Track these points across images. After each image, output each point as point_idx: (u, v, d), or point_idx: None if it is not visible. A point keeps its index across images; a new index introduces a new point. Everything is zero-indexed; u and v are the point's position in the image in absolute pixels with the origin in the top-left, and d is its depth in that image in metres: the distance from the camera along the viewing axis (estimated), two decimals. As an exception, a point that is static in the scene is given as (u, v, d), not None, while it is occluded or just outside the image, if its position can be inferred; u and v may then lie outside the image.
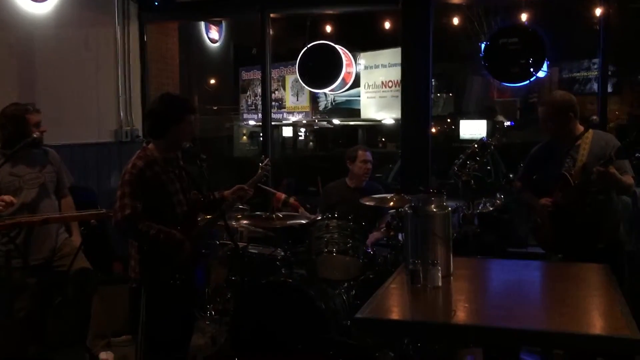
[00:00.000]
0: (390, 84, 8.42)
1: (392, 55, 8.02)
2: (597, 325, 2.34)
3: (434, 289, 2.57)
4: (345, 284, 4.18)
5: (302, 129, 12.79)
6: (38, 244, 3.96)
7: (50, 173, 4.07)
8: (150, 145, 3.35)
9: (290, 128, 12.34)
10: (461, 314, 2.36)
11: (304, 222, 4.34)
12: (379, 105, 8.63)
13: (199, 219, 3.69)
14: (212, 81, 9.47)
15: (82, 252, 4.16)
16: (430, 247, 2.66)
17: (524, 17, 5.35)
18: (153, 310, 3.32)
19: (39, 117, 3.96)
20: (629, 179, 3.63)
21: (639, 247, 4.29)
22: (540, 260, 4.07)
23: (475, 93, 10.08)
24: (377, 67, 8.69)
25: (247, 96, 10.62)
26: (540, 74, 5.08)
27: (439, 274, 2.58)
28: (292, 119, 10.50)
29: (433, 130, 10.99)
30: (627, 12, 6.69)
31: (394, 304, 2.54)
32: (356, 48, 8.51)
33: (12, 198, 3.72)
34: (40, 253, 3.98)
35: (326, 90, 7.02)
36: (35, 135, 3.89)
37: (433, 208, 2.72)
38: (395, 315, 2.46)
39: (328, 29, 7.06)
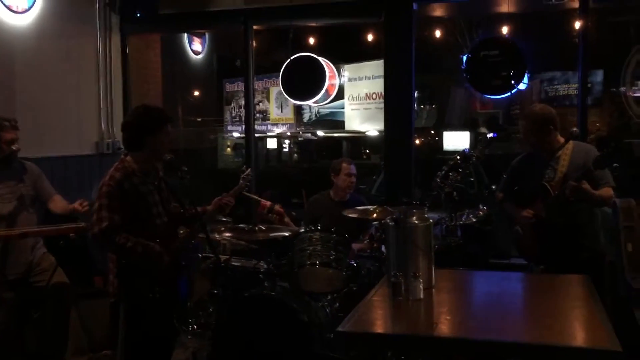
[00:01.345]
0: (374, 95, 8.43)
1: (376, 68, 8.03)
2: (578, 337, 2.34)
3: (415, 302, 2.56)
4: (329, 297, 4.16)
5: (287, 141, 12.77)
6: (14, 258, 3.90)
7: (27, 187, 4.03)
8: (128, 157, 3.31)
9: (275, 140, 12.33)
10: (443, 327, 2.35)
11: (287, 234, 4.32)
12: (363, 117, 8.63)
13: (180, 231, 3.65)
14: (196, 93, 9.44)
15: (61, 267, 4.11)
16: (412, 260, 2.65)
17: (505, 29, 5.41)
18: (132, 324, 3.27)
19: (14, 134, 3.93)
20: (607, 191, 3.66)
21: (619, 258, 4.32)
22: (523, 271, 4.10)
23: (458, 105, 10.15)
24: (361, 79, 8.70)
25: (231, 108, 10.57)
26: (521, 86, 5.13)
27: (421, 287, 2.58)
28: (277, 130, 10.48)
29: (417, 142, 11.04)
30: (606, 25, 6.80)
31: (376, 316, 2.52)
32: (340, 60, 8.53)
33: None
34: (17, 267, 3.92)
35: (309, 102, 7.02)
36: (12, 148, 3.85)
37: (414, 220, 2.72)
38: (377, 328, 2.44)
39: (312, 41, 7.09)
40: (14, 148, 3.89)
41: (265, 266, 4.38)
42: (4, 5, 4.79)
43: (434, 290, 2.72)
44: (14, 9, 4.88)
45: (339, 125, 9.37)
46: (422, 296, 2.58)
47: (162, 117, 3.35)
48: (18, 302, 3.93)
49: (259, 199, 4.75)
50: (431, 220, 2.77)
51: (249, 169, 4.05)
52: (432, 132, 11.36)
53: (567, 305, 2.65)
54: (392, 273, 2.63)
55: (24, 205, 3.99)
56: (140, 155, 3.29)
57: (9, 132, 3.90)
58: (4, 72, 4.90)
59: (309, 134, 10.79)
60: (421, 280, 2.59)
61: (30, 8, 5.03)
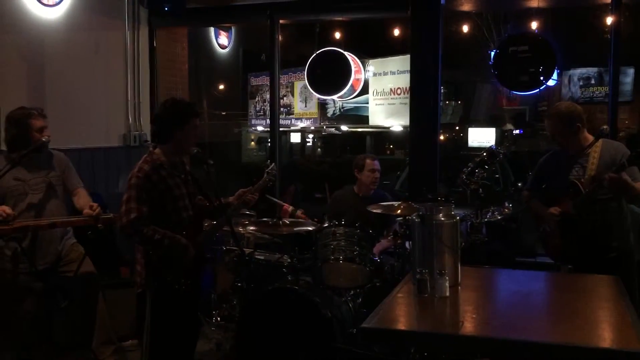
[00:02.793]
0: (399, 91, 8.38)
1: (401, 63, 7.98)
2: (607, 338, 2.30)
3: (441, 299, 2.54)
4: (352, 292, 4.16)
5: (310, 135, 12.78)
6: (43, 248, 3.96)
7: (56, 176, 4.07)
8: (157, 150, 3.35)
9: (299, 134, 12.34)
10: (469, 325, 2.33)
11: (310, 229, 4.32)
12: (387, 112, 8.59)
13: (205, 224, 3.68)
14: (221, 87, 9.48)
15: (89, 257, 4.17)
16: (438, 257, 2.64)
17: (534, 25, 5.33)
18: (158, 315, 3.31)
19: (43, 122, 3.96)
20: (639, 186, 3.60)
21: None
22: (550, 270, 4.05)
23: (484, 101, 10.04)
24: (386, 74, 8.66)
25: (256, 102, 10.61)
26: (551, 83, 5.05)
27: (447, 284, 2.56)
28: (300, 125, 10.49)
29: (441, 137, 10.97)
30: (639, 21, 6.66)
31: (401, 313, 2.51)
32: (365, 55, 8.50)
33: (10, 210, 3.70)
34: (46, 257, 3.98)
35: (334, 97, 7.01)
36: (43, 140, 3.89)
37: (441, 217, 2.70)
38: (402, 325, 2.43)
39: (337, 35, 7.06)
40: (44, 139, 3.93)
41: (289, 260, 4.40)
42: (35, -2, 4.86)
43: (459, 287, 2.70)
44: (45, 2, 4.95)
45: (363, 120, 9.35)
46: (447, 294, 2.56)
47: (191, 111, 3.39)
48: (46, 292, 3.98)
49: (282, 203, 4.75)
50: (457, 217, 2.75)
51: (273, 164, 4.06)
52: (457, 128, 11.27)
53: (596, 306, 2.61)
54: (418, 270, 2.61)
55: (53, 194, 4.04)
56: (168, 148, 3.34)
57: (38, 120, 3.95)
58: (34, 64, 4.97)
59: (333, 129, 10.79)
60: (447, 278, 2.57)
61: (60, 1, 5.10)
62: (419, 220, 2.68)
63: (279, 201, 4.84)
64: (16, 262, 3.87)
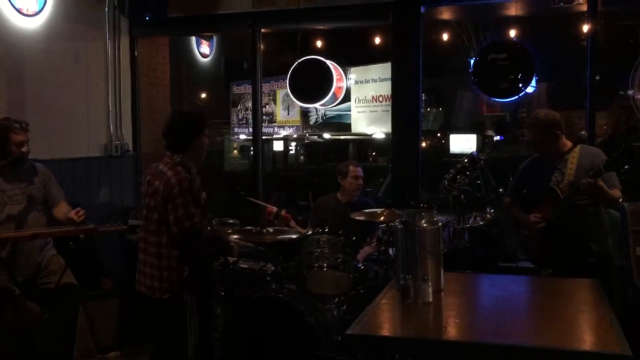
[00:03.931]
0: (380, 98, 8.43)
1: (382, 70, 8.03)
2: (587, 341, 2.34)
3: (424, 305, 2.56)
4: (336, 299, 4.16)
5: (293, 143, 12.78)
6: (23, 260, 3.92)
7: (37, 188, 4.04)
8: (177, 156, 3.38)
9: (281, 142, 12.34)
10: (452, 330, 2.35)
11: (294, 237, 4.33)
12: (369, 119, 8.62)
13: None
14: (203, 95, 9.46)
15: (70, 268, 4.13)
16: (421, 263, 2.66)
17: (513, 33, 5.40)
18: (198, 322, 3.33)
19: (24, 137, 3.95)
20: (616, 192, 3.67)
21: (628, 262, 4.30)
22: (531, 274, 4.09)
23: (465, 108, 10.14)
24: (367, 81, 8.70)
25: (238, 110, 10.59)
26: (529, 90, 5.12)
27: (430, 290, 2.58)
28: (283, 133, 10.49)
29: (423, 144, 11.03)
30: (615, 28, 6.78)
31: (385, 319, 2.53)
32: (347, 62, 8.53)
33: None
34: (26, 268, 3.94)
35: (317, 105, 7.03)
36: (22, 150, 3.87)
37: (423, 223, 2.72)
38: (386, 331, 2.45)
39: (319, 43, 7.09)
40: (23, 150, 3.90)
41: (273, 268, 4.39)
42: (15, 8, 4.82)
43: (442, 293, 2.72)
44: (24, 11, 4.91)
45: (346, 127, 9.38)
46: (431, 299, 2.58)
47: (203, 121, 3.54)
48: (26, 302, 3.94)
49: (265, 204, 4.75)
50: (440, 223, 2.77)
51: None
52: (439, 134, 11.35)
53: (577, 309, 2.65)
54: (401, 276, 2.63)
55: (33, 206, 4.01)
56: (185, 157, 3.40)
57: (19, 134, 3.93)
58: (14, 74, 4.93)
59: (316, 137, 10.81)
60: (430, 284, 2.59)
61: (40, 11, 5.05)
62: (402, 226, 2.70)
63: (262, 203, 4.83)
64: (-5, 273, 3.83)
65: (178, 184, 3.24)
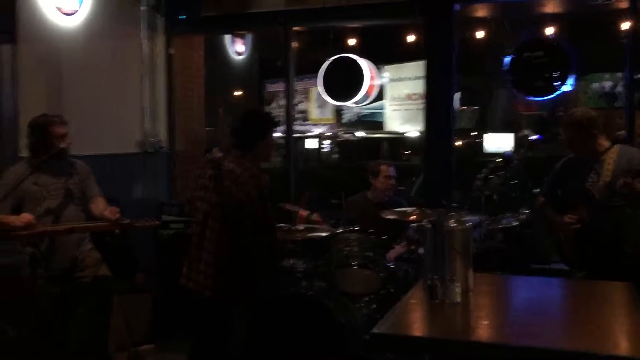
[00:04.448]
0: (415, 96, 8.37)
1: (417, 68, 7.97)
2: (621, 345, 2.28)
3: (452, 305, 2.54)
4: (366, 298, 4.16)
5: (327, 141, 12.77)
6: (60, 253, 4.00)
7: (75, 184, 4.12)
8: (246, 155, 3.40)
9: (315, 140, 12.34)
10: (480, 331, 2.33)
11: (324, 234, 4.33)
12: (403, 117, 8.58)
13: None
14: (237, 93, 9.53)
15: (105, 262, 4.21)
16: (449, 263, 2.63)
17: (551, 30, 5.31)
18: (241, 328, 3.44)
19: (65, 129, 4.02)
20: None
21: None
22: (564, 277, 4.02)
23: (501, 106, 9.97)
24: (402, 79, 8.66)
25: (272, 108, 10.65)
26: (566, 88, 5.03)
27: (458, 290, 2.55)
28: (317, 130, 10.51)
29: (459, 143, 10.88)
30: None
31: (412, 319, 2.51)
32: (381, 60, 8.49)
33: (30, 216, 3.77)
34: (62, 262, 4.02)
35: (349, 103, 7.03)
36: (61, 146, 3.95)
37: (452, 223, 2.69)
38: (413, 331, 2.43)
39: (354, 41, 7.07)
40: (62, 145, 3.99)
41: (303, 266, 4.41)
42: (55, 6, 4.92)
43: (471, 294, 2.69)
44: (64, 10, 5.01)
45: (379, 126, 9.34)
46: (459, 300, 2.55)
47: (271, 121, 3.58)
48: (63, 297, 4.03)
49: (297, 209, 4.76)
50: (469, 224, 2.74)
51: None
52: (475, 133, 11.19)
53: (610, 313, 2.58)
54: (429, 276, 2.61)
55: (71, 201, 4.09)
56: (251, 157, 3.44)
57: (59, 127, 4.01)
58: (52, 71, 5.04)
59: (349, 135, 10.79)
60: (458, 284, 2.56)
61: (78, 9, 5.16)
62: (431, 226, 2.68)
63: (294, 207, 4.86)
64: (34, 266, 3.93)
65: (257, 187, 3.26)
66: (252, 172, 3.32)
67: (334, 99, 6.14)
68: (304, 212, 4.61)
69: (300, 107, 10.21)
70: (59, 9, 4.96)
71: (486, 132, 9.70)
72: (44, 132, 3.96)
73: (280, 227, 4.40)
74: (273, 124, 3.59)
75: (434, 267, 2.65)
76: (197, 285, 3.37)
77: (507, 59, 5.04)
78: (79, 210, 4.13)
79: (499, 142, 9.64)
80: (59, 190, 4.03)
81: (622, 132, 3.87)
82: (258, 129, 3.47)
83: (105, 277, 4.17)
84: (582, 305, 2.71)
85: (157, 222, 4.24)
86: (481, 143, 10.09)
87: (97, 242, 4.33)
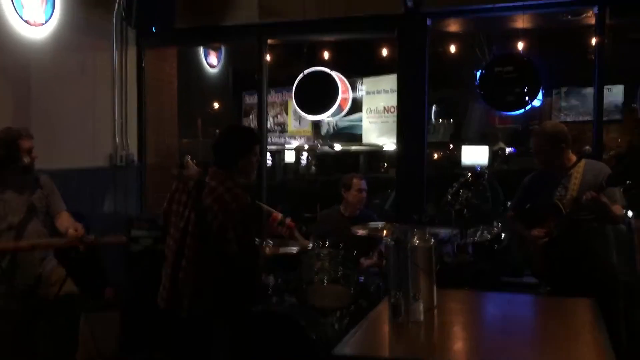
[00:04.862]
0: (392, 109, 8.40)
1: (393, 81, 8.02)
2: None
3: (415, 324, 2.51)
4: (338, 313, 4.12)
5: (305, 154, 12.75)
6: (22, 270, 3.92)
7: (39, 198, 4.05)
8: (227, 172, 3.30)
9: (293, 153, 12.31)
10: (442, 351, 2.30)
11: (295, 250, 4.29)
12: (380, 130, 8.61)
13: None
14: (213, 105, 9.50)
15: (72, 278, 4.13)
16: (413, 280, 2.61)
17: (523, 45, 5.35)
18: (223, 348, 3.30)
19: (31, 143, 3.96)
20: (618, 209, 3.59)
21: (635, 278, 4.21)
22: (534, 290, 4.02)
23: (477, 119, 10.05)
24: (379, 92, 8.69)
25: (250, 120, 10.61)
26: (536, 103, 5.07)
27: (421, 308, 2.53)
28: (295, 143, 10.50)
29: (435, 156, 10.91)
30: (627, 40, 6.68)
31: (374, 339, 2.48)
32: (358, 73, 8.51)
33: None
34: (25, 279, 3.94)
35: (322, 117, 7.03)
36: (25, 161, 3.88)
37: (416, 240, 2.67)
38: (374, 351, 2.40)
39: (329, 54, 7.09)
40: (31, 157, 3.93)
41: (274, 281, 4.36)
42: (22, 19, 4.85)
43: (435, 311, 2.67)
44: (31, 22, 4.94)
45: (357, 138, 9.35)
46: (422, 318, 2.53)
47: (253, 138, 3.45)
48: (25, 314, 3.94)
49: (271, 210, 4.72)
50: (433, 241, 2.72)
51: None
52: (451, 146, 11.25)
53: (573, 330, 2.57)
54: (392, 293, 2.59)
55: (34, 216, 4.01)
56: (233, 174, 3.33)
57: (27, 140, 3.95)
58: (20, 84, 4.97)
59: (327, 147, 10.78)
60: (421, 302, 2.54)
61: (47, 21, 5.09)
62: (393, 243, 2.65)
63: (268, 208, 4.81)
64: (-5, 283, 3.84)
65: (240, 209, 3.15)
66: (234, 193, 3.19)
67: (307, 113, 6.13)
68: (277, 215, 4.56)
69: (279, 119, 10.18)
70: (26, 21, 4.89)
71: (463, 145, 9.76)
72: (10, 145, 3.89)
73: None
74: (256, 140, 3.46)
75: (397, 284, 2.62)
76: (172, 305, 3.26)
77: (479, 74, 5.06)
78: (42, 226, 4.05)
79: (475, 155, 9.70)
80: (22, 205, 3.95)
81: (588, 148, 3.91)
82: (240, 145, 3.33)
83: (70, 295, 4.09)
84: (545, 323, 2.71)
85: (123, 238, 4.17)
86: (458, 155, 10.14)
87: (62, 257, 4.25)
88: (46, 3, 5.07)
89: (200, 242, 3.20)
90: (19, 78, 4.94)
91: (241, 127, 3.56)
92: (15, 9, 4.79)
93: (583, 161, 3.77)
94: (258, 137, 3.55)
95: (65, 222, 4.04)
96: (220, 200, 3.16)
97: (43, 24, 5.06)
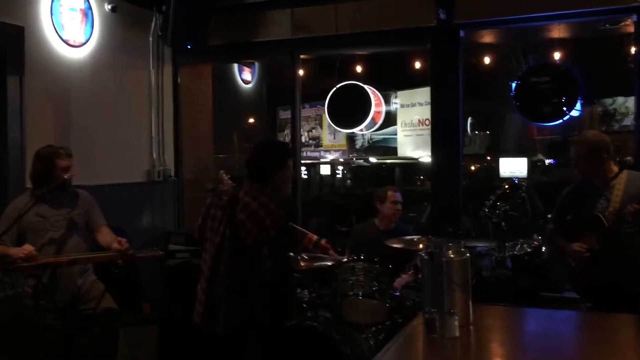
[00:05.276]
0: (427, 122, 8.36)
1: (428, 94, 8.00)
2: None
3: (450, 340, 2.46)
4: (373, 328, 4.08)
5: (340, 167, 12.76)
6: (62, 285, 3.99)
7: (79, 215, 4.12)
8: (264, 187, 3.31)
9: (328, 166, 12.33)
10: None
11: (329, 264, 4.27)
12: (415, 143, 8.57)
13: None
14: (249, 120, 9.60)
15: (111, 293, 4.18)
16: (448, 295, 2.56)
17: (557, 55, 5.26)
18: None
19: (69, 162, 4.04)
20: None
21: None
22: (574, 306, 3.91)
23: (514, 131, 9.92)
24: (413, 105, 8.67)
25: (285, 135, 10.69)
26: (574, 113, 4.96)
27: (456, 324, 2.47)
28: (330, 157, 10.52)
29: (472, 168, 10.77)
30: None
31: (408, 355, 2.44)
32: (392, 87, 8.49)
33: (32, 247, 3.76)
34: (65, 294, 4.00)
35: (355, 130, 7.04)
36: (63, 178, 3.97)
37: (450, 253, 2.63)
38: (408, 367, 2.36)
39: (362, 68, 7.09)
40: (66, 177, 4.01)
41: (309, 296, 4.34)
42: (62, 39, 4.99)
43: (471, 327, 2.61)
44: (71, 42, 5.08)
45: (392, 151, 9.32)
46: (457, 334, 2.47)
47: (287, 152, 3.47)
48: (65, 329, 4.00)
49: (306, 232, 4.71)
50: (468, 254, 2.67)
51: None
52: (488, 157, 11.11)
53: (615, 349, 2.48)
54: (426, 309, 2.54)
55: (74, 231, 4.09)
56: (267, 189, 3.34)
57: (64, 159, 4.03)
58: (61, 102, 5.09)
59: (362, 161, 10.76)
60: (457, 317, 2.49)
61: (86, 42, 5.23)
62: (428, 257, 2.61)
63: (303, 230, 4.81)
64: (37, 298, 3.91)
65: (273, 224, 3.16)
66: (268, 208, 3.19)
67: (341, 126, 6.14)
68: (312, 236, 4.55)
69: (314, 133, 10.23)
70: (66, 41, 5.03)
71: (500, 157, 9.63)
72: (47, 162, 3.98)
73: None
74: (289, 154, 3.47)
75: (432, 299, 2.58)
76: (209, 320, 3.26)
77: (514, 84, 4.98)
78: (82, 241, 4.12)
79: (513, 167, 9.55)
80: (62, 221, 4.03)
81: (630, 158, 3.79)
82: (273, 160, 3.34)
83: (109, 309, 4.14)
84: (588, 339, 2.62)
85: (160, 253, 4.21)
86: (495, 168, 10.00)
87: (101, 272, 4.32)
88: (85, 24, 5.21)
89: (235, 257, 3.20)
90: (59, 97, 5.07)
91: (274, 141, 3.56)
92: (56, 30, 4.93)
93: (625, 172, 3.66)
94: (291, 151, 3.53)
95: (107, 236, 4.11)
96: (253, 216, 3.16)
97: (82, 44, 5.20)
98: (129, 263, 4.40)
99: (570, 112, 4.74)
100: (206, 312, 3.27)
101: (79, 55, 5.18)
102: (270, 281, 3.20)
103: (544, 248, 4.70)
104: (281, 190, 3.41)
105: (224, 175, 3.82)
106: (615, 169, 3.72)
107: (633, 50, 4.71)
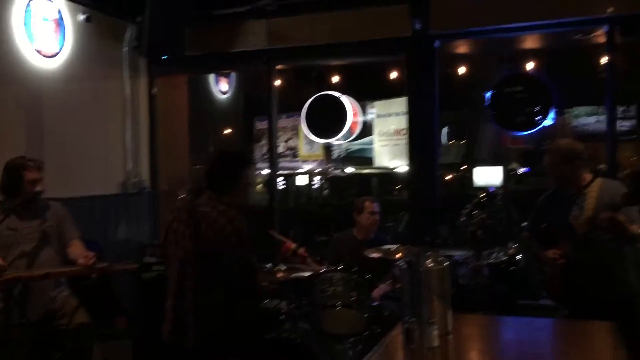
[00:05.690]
0: (403, 131, 8.41)
1: (404, 104, 8.05)
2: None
3: (430, 350, 2.45)
4: (352, 339, 4.05)
5: (317, 178, 12.76)
6: (34, 299, 3.91)
7: (50, 227, 4.06)
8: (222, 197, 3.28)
9: (305, 176, 12.32)
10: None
11: (307, 274, 4.25)
12: (392, 153, 8.60)
13: None
14: (225, 131, 9.55)
15: (84, 306, 4.11)
16: (426, 305, 2.55)
17: (531, 65, 5.35)
18: None
19: (38, 175, 3.98)
20: (635, 228, 3.51)
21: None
22: (552, 313, 3.94)
23: (488, 140, 10.02)
24: (389, 115, 8.71)
25: (261, 145, 10.66)
26: (548, 122, 5.03)
27: (435, 333, 2.47)
28: (307, 167, 10.51)
29: (447, 177, 10.84)
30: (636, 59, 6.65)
31: (388, 365, 2.43)
32: (368, 97, 8.52)
33: (1, 261, 3.69)
34: (38, 309, 3.92)
35: (332, 141, 7.04)
36: (33, 191, 3.90)
37: (429, 263, 2.62)
38: (388, 377, 2.34)
39: (338, 78, 7.12)
40: (37, 189, 3.93)
41: (286, 307, 4.31)
42: (34, 49, 4.92)
43: (450, 336, 2.61)
44: (44, 53, 5.01)
45: (368, 161, 9.34)
46: (437, 343, 2.47)
47: (245, 161, 3.43)
48: (38, 344, 3.92)
49: (284, 239, 4.69)
50: (447, 263, 2.67)
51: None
52: (464, 167, 11.19)
53: (592, 356, 2.50)
54: (406, 318, 2.53)
55: (47, 244, 4.03)
56: (226, 198, 3.31)
57: (32, 171, 3.96)
58: (33, 114, 5.01)
59: (338, 171, 10.77)
60: (436, 327, 2.48)
61: (59, 52, 5.16)
62: (406, 266, 2.61)
63: (281, 237, 4.78)
64: (8, 313, 3.82)
65: (235, 231, 3.14)
66: (228, 216, 3.19)
67: (318, 136, 6.14)
68: (290, 244, 4.52)
69: (290, 143, 10.20)
70: (39, 51, 4.95)
71: (475, 166, 9.71)
72: (15, 174, 3.92)
73: (263, 267, 4.33)
74: (247, 163, 3.45)
75: (411, 309, 2.57)
76: (178, 337, 3.19)
77: (489, 94, 5.04)
78: (54, 255, 4.05)
79: (488, 176, 9.63)
80: (33, 233, 3.97)
81: (603, 166, 3.84)
82: (232, 170, 3.33)
83: (83, 324, 4.07)
84: (565, 347, 2.63)
85: (134, 265, 4.16)
86: (471, 177, 10.08)
87: (75, 285, 4.25)
88: (58, 34, 5.15)
89: (201, 269, 3.17)
90: (31, 107, 4.99)
91: (231, 151, 3.53)
92: (28, 40, 4.85)
93: (598, 180, 3.70)
94: (249, 161, 3.52)
95: (77, 250, 4.04)
96: (214, 227, 3.15)
97: (55, 54, 5.13)
98: (104, 276, 4.34)
99: (543, 121, 4.81)
100: (175, 329, 3.22)
101: (52, 65, 5.10)
102: (236, 290, 3.17)
103: (519, 256, 4.74)
104: (241, 199, 3.39)
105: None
106: (589, 177, 3.76)
107: (604, 60, 4.80)
